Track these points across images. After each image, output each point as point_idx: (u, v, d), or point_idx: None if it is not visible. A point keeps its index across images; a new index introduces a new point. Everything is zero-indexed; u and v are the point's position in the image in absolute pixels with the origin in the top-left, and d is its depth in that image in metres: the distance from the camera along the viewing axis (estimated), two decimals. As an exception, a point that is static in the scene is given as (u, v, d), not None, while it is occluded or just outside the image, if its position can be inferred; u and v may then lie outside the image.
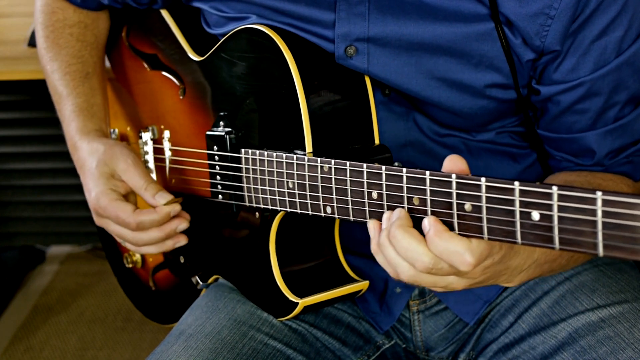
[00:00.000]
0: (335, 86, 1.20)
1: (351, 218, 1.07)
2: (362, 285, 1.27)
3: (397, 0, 1.16)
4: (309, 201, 1.13)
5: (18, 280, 2.99)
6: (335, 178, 1.08)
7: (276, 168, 1.17)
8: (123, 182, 1.35)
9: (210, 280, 1.41)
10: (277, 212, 1.21)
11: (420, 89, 1.20)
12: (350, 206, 1.07)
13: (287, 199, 1.17)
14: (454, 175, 0.93)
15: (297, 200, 1.15)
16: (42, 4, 1.52)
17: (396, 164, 1.25)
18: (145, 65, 1.49)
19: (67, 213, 2.89)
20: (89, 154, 1.37)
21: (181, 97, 1.39)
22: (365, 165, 1.03)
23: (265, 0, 1.23)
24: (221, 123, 1.29)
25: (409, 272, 0.98)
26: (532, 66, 1.19)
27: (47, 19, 1.51)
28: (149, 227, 1.33)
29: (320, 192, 1.11)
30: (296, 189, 1.14)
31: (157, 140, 1.46)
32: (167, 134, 1.44)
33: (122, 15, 1.54)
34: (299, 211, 1.15)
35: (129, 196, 1.38)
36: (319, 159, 1.10)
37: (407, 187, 0.98)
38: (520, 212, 0.87)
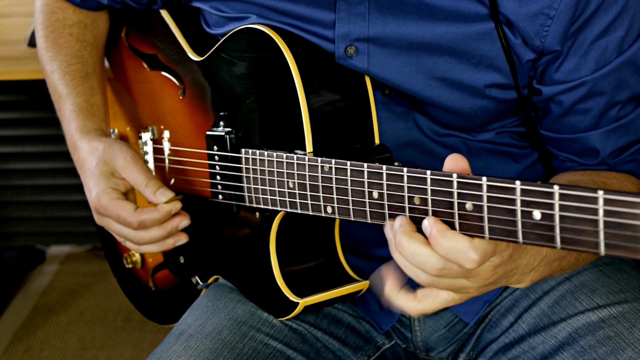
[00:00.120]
0: (335, 86, 1.20)
1: (352, 218, 1.07)
2: (362, 285, 1.27)
3: (397, 0, 1.16)
4: (309, 201, 1.13)
5: (18, 280, 2.99)
6: (335, 178, 1.08)
7: (276, 168, 1.17)
8: (123, 180, 1.35)
9: (210, 281, 1.41)
10: (278, 212, 1.21)
11: (420, 89, 1.20)
12: (350, 206, 1.07)
13: (287, 199, 1.17)
14: (455, 175, 0.93)
15: (298, 200, 1.15)
16: (42, 3, 1.52)
17: (396, 163, 1.25)
18: (145, 66, 1.48)
19: (67, 213, 2.89)
20: (88, 153, 1.37)
21: (181, 97, 1.39)
22: (366, 164, 1.03)
23: (265, 0, 1.23)
24: (221, 123, 1.29)
25: (422, 276, 0.98)
26: (533, 66, 1.19)
27: (47, 18, 1.51)
28: (150, 226, 1.33)
29: (321, 192, 1.10)
30: (296, 188, 1.14)
31: (157, 141, 1.46)
32: (167, 134, 1.44)
33: (122, 15, 1.54)
34: (299, 211, 1.15)
35: (129, 194, 1.38)
36: (319, 159, 1.10)
37: (408, 186, 0.98)
38: (522, 211, 0.87)
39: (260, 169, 1.20)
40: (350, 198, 1.06)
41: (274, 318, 1.28)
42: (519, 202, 0.87)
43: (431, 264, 0.95)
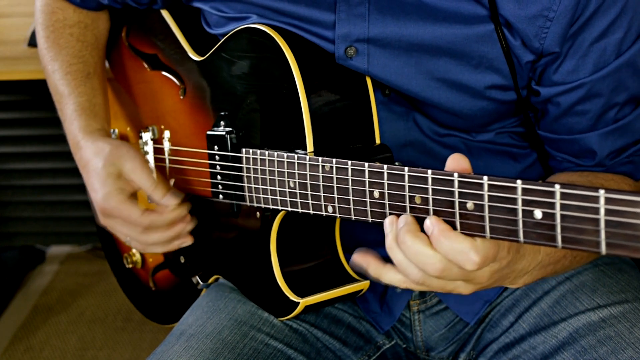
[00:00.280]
0: (336, 86, 1.20)
1: (353, 217, 1.07)
2: (363, 285, 1.27)
3: (397, 1, 1.16)
4: (310, 201, 1.13)
5: (18, 280, 2.99)
6: (336, 177, 1.08)
7: (277, 168, 1.17)
8: (130, 183, 1.35)
9: (210, 280, 1.41)
10: (278, 211, 1.21)
11: (420, 90, 1.20)
12: (351, 206, 1.07)
13: (288, 198, 1.17)
14: (456, 174, 0.93)
15: (299, 199, 1.15)
16: (42, 4, 1.52)
17: (397, 163, 1.25)
18: (146, 65, 1.49)
19: (67, 213, 2.89)
20: (94, 154, 1.37)
21: (181, 97, 1.39)
22: (367, 164, 1.03)
23: (266, 0, 1.23)
24: (222, 123, 1.29)
25: (418, 275, 0.98)
26: (532, 67, 1.19)
27: (47, 19, 1.51)
28: (158, 228, 1.33)
29: (322, 191, 1.10)
30: (297, 188, 1.14)
31: (157, 140, 1.46)
32: (167, 134, 1.44)
33: (122, 15, 1.54)
34: (300, 211, 1.15)
35: (135, 194, 1.38)
36: (320, 159, 1.10)
37: (409, 186, 0.98)
38: (523, 210, 0.87)
39: (261, 169, 1.20)
40: (351, 198, 1.06)
41: (274, 318, 1.28)
42: (520, 202, 0.87)
43: (432, 265, 0.95)
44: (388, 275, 1.03)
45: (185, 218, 1.36)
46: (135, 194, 1.38)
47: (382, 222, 1.02)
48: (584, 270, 1.29)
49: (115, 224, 1.36)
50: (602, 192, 0.80)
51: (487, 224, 0.91)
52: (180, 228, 1.35)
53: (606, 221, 0.80)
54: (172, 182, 1.44)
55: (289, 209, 1.17)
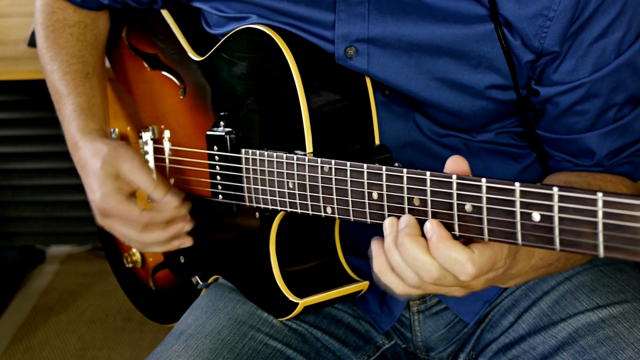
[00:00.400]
0: (335, 86, 1.20)
1: (351, 218, 1.07)
2: (363, 285, 1.27)
3: (397, 1, 1.16)
4: (309, 201, 1.13)
5: (18, 280, 2.99)
6: (335, 178, 1.08)
7: (276, 168, 1.17)
8: (128, 183, 1.35)
9: (210, 280, 1.41)
10: (278, 212, 1.21)
11: (420, 90, 1.20)
12: (350, 207, 1.07)
13: (287, 199, 1.17)
14: (454, 176, 0.93)
15: (298, 200, 1.15)
16: (42, 3, 1.52)
17: (396, 164, 1.25)
18: (146, 65, 1.49)
19: (67, 213, 2.89)
20: (92, 154, 1.37)
21: (181, 97, 1.39)
22: (365, 165, 1.03)
23: (266, 0, 1.23)
24: (221, 123, 1.29)
25: (414, 279, 0.97)
26: (531, 67, 1.19)
27: (47, 18, 1.51)
28: (156, 228, 1.33)
29: (321, 192, 1.10)
30: (296, 189, 1.14)
31: (157, 140, 1.46)
32: (167, 133, 1.44)
33: (122, 15, 1.54)
34: (299, 211, 1.15)
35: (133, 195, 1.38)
36: (319, 159, 1.10)
37: (407, 187, 0.98)
38: (521, 212, 0.87)
39: (260, 169, 1.20)
40: (349, 199, 1.06)
41: (273, 318, 1.28)
42: (518, 204, 0.87)
43: (428, 272, 0.95)
44: (387, 276, 1.03)
45: (185, 217, 1.36)
46: (134, 194, 1.38)
47: (381, 224, 1.01)
48: (583, 270, 1.29)
49: (113, 224, 1.36)
50: (600, 195, 0.80)
51: (485, 226, 0.91)
52: (179, 227, 1.35)
53: (604, 224, 0.80)
54: (172, 181, 1.44)
55: (288, 209, 1.17)
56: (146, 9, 1.47)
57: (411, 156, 1.28)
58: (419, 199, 0.97)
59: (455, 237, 0.95)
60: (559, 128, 1.23)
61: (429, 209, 0.96)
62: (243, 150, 1.23)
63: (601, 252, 0.81)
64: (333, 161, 1.07)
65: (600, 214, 0.80)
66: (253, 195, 1.23)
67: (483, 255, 0.93)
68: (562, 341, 1.20)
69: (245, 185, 1.24)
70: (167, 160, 1.45)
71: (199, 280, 1.42)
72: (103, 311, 2.79)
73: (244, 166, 1.23)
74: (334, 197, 1.09)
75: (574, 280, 1.27)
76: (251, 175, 1.22)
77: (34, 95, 2.72)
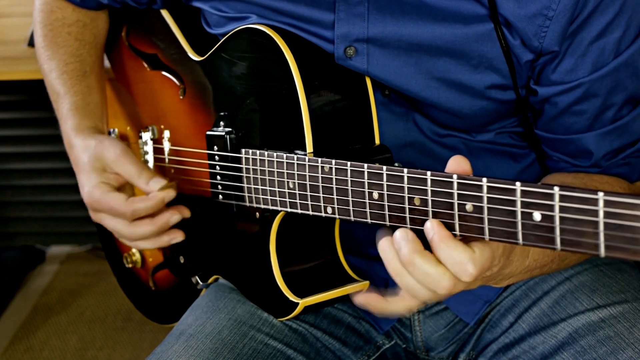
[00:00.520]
0: (335, 86, 1.20)
1: (352, 218, 1.07)
2: (363, 285, 1.27)
3: (397, 1, 1.16)
4: (309, 201, 1.13)
5: (18, 280, 2.99)
6: (336, 178, 1.08)
7: (276, 168, 1.17)
8: (115, 175, 1.34)
9: (210, 280, 1.41)
10: (278, 212, 1.21)
11: (419, 90, 1.20)
12: (351, 207, 1.07)
13: (287, 199, 1.17)
14: (455, 176, 0.93)
15: (298, 200, 1.15)
16: (41, 2, 1.52)
17: (396, 164, 1.25)
18: (145, 65, 1.49)
19: (67, 213, 2.89)
20: (82, 151, 1.37)
21: (181, 97, 1.39)
22: (366, 165, 1.03)
23: (265, 0, 1.23)
24: (221, 123, 1.29)
25: (427, 295, 0.98)
26: (531, 66, 1.19)
27: (46, 17, 1.51)
28: (144, 214, 1.32)
29: (321, 192, 1.10)
30: (297, 189, 1.14)
31: (157, 140, 1.46)
32: (167, 133, 1.44)
33: (122, 15, 1.54)
34: (299, 211, 1.15)
35: (125, 189, 1.37)
36: (319, 159, 1.10)
37: (408, 187, 0.98)
38: (522, 212, 0.87)
39: (260, 169, 1.20)
40: (350, 199, 1.06)
41: (274, 318, 1.28)
42: (519, 204, 0.87)
43: (441, 284, 0.95)
44: (391, 308, 1.03)
45: (170, 209, 1.34)
46: (130, 187, 1.38)
47: (381, 224, 1.02)
48: (583, 270, 1.29)
49: (103, 218, 1.35)
50: (601, 194, 0.80)
51: (486, 226, 0.91)
52: (166, 217, 1.33)
53: (605, 224, 0.80)
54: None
55: (288, 209, 1.17)
56: (146, 8, 1.47)
57: (411, 156, 1.28)
58: (420, 198, 0.97)
59: (454, 236, 0.95)
60: (557, 128, 1.23)
61: (430, 209, 0.96)
62: (243, 150, 1.23)
63: (602, 251, 0.81)
64: (333, 161, 1.07)
65: (601, 214, 0.80)
66: (253, 195, 1.23)
67: (483, 254, 0.94)
68: (562, 341, 1.20)
69: (245, 185, 1.24)
70: (167, 161, 1.45)
71: (199, 280, 1.42)
72: (103, 311, 2.79)
73: (244, 166, 1.23)
74: (335, 197, 1.08)
75: (574, 280, 1.27)
76: (251, 175, 1.22)
77: (33, 95, 2.72)
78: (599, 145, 1.22)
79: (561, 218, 0.84)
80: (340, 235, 1.28)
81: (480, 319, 1.34)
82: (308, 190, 1.13)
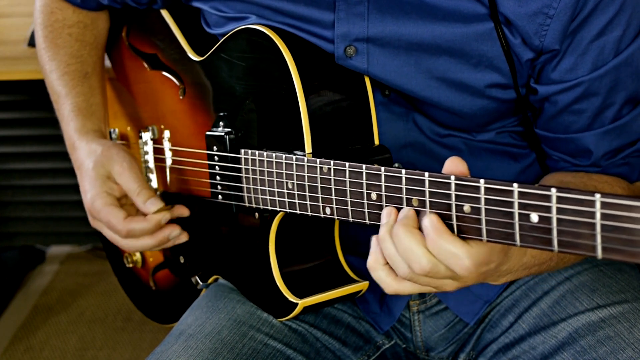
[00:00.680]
0: (335, 86, 1.20)
1: (350, 219, 1.07)
2: (362, 285, 1.27)
3: (397, 0, 1.16)
4: (308, 202, 1.13)
5: (18, 280, 2.99)
6: (334, 179, 1.08)
7: (276, 169, 1.17)
8: (118, 185, 1.35)
9: (210, 280, 1.41)
10: (277, 212, 1.21)
11: (420, 89, 1.20)
12: (349, 207, 1.07)
13: (286, 199, 1.17)
14: (452, 177, 0.93)
15: (297, 201, 1.15)
16: (42, 4, 1.52)
17: (396, 164, 1.25)
18: (146, 65, 1.49)
19: (67, 213, 2.89)
20: (86, 155, 1.37)
21: (181, 97, 1.39)
22: (364, 166, 1.03)
23: (265, 0, 1.23)
24: (221, 123, 1.29)
25: (406, 271, 0.98)
26: (531, 65, 1.19)
27: (46, 19, 1.51)
28: (139, 235, 1.33)
29: (320, 192, 1.11)
30: (295, 189, 1.14)
31: (157, 140, 1.46)
32: (167, 134, 1.44)
33: (122, 15, 1.54)
34: (298, 212, 1.15)
35: (125, 199, 1.38)
36: (318, 160, 1.10)
37: (406, 188, 0.98)
38: (519, 214, 0.87)
39: (259, 170, 1.20)
40: (348, 199, 1.06)
41: (273, 318, 1.28)
42: (516, 205, 0.87)
43: (419, 264, 0.95)
44: (379, 272, 1.03)
45: (170, 225, 1.35)
46: (126, 197, 1.38)
47: (380, 224, 1.02)
48: (583, 270, 1.29)
49: (101, 227, 1.37)
50: (598, 196, 0.80)
51: (483, 227, 0.91)
52: (166, 233, 1.35)
53: (602, 225, 0.80)
54: (171, 182, 1.44)
55: (287, 210, 1.17)
56: (146, 9, 1.47)
57: (411, 156, 1.28)
58: (418, 199, 0.97)
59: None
60: (557, 127, 1.23)
61: (428, 210, 0.96)
62: (242, 151, 1.23)
63: (599, 253, 0.81)
64: (332, 162, 1.07)
65: (598, 215, 0.80)
66: (252, 196, 1.23)
67: (480, 249, 0.94)
68: (562, 341, 1.20)
69: (244, 185, 1.24)
70: (167, 161, 1.45)
71: (199, 280, 1.42)
72: (103, 311, 2.79)
73: (243, 166, 1.23)
74: (333, 197, 1.09)
75: (574, 280, 1.27)
76: (250, 176, 1.22)
77: (34, 95, 2.72)
78: (598, 145, 1.22)
79: (558, 219, 0.84)
80: (340, 235, 1.28)
81: (480, 319, 1.34)
82: (307, 190, 1.13)
